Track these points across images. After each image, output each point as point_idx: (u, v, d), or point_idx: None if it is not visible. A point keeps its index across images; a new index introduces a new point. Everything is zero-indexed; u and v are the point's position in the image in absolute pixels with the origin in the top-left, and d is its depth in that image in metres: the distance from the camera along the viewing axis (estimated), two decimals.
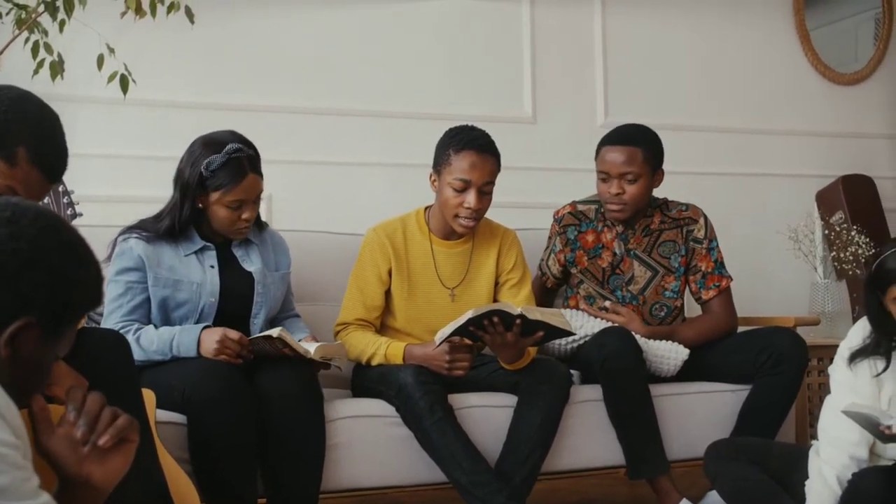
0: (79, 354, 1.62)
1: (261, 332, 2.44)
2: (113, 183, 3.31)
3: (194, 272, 2.45)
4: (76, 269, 1.24)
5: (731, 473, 2.43)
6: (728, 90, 4.26)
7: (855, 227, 3.99)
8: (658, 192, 2.96)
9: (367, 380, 2.63)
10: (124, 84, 2.97)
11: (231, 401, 2.21)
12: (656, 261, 2.93)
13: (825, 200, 4.28)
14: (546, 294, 3.09)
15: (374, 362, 2.60)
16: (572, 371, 2.71)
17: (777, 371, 2.72)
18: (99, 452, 1.28)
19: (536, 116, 3.96)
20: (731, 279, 2.96)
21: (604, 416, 2.67)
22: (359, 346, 2.63)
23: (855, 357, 2.24)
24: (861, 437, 2.17)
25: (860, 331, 2.26)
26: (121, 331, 2.21)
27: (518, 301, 2.68)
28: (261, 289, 2.53)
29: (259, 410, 2.27)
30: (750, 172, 4.26)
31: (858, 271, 3.86)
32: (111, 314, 2.40)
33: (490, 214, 2.73)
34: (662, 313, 2.94)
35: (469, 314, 2.38)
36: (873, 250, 3.70)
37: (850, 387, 2.23)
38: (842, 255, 3.92)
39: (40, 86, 2.67)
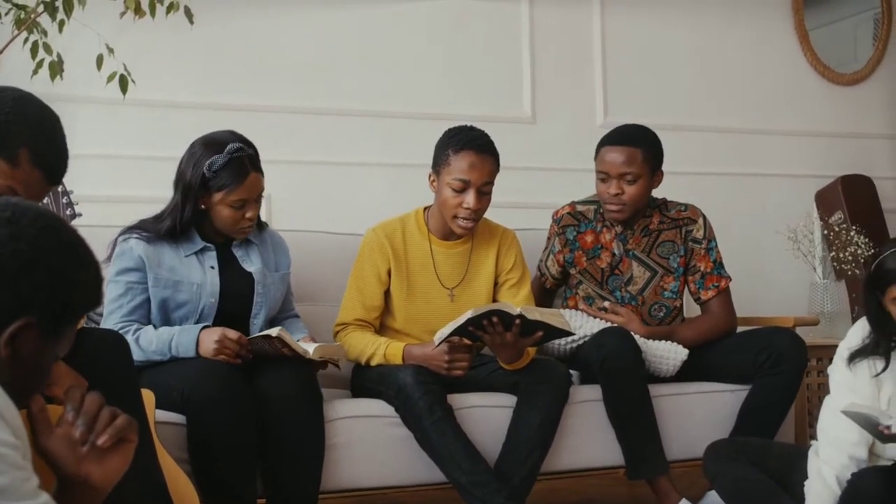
0: (78, 354, 1.62)
1: (260, 332, 2.44)
2: (112, 183, 3.31)
3: (194, 273, 2.45)
4: (76, 270, 1.24)
5: (731, 473, 2.43)
6: (727, 90, 4.26)
7: (854, 227, 3.99)
8: (657, 193, 2.96)
9: (366, 380, 2.63)
10: (123, 84, 2.97)
11: (230, 401, 2.21)
12: (655, 261, 2.93)
13: (824, 200, 4.28)
14: (545, 294, 3.08)
15: (374, 362, 2.60)
16: (571, 371, 2.71)
17: (776, 371, 2.72)
18: (98, 452, 1.27)
19: (536, 116, 3.96)
20: (730, 279, 2.96)
21: (603, 417, 2.67)
22: (358, 347, 2.63)
23: (854, 357, 2.23)
24: (860, 438, 2.17)
25: (859, 331, 2.26)
26: (120, 331, 2.21)
27: (517, 301, 2.68)
28: (261, 289, 2.53)
29: (258, 411, 2.27)
30: (749, 172, 4.26)
31: (857, 271, 3.86)
32: (111, 314, 2.40)
33: (489, 214, 2.73)
34: (661, 313, 2.93)
35: (468, 314, 2.37)
36: (872, 250, 3.70)
37: (850, 387, 2.23)
38: (841, 255, 3.92)
39: (39, 86, 2.67)
